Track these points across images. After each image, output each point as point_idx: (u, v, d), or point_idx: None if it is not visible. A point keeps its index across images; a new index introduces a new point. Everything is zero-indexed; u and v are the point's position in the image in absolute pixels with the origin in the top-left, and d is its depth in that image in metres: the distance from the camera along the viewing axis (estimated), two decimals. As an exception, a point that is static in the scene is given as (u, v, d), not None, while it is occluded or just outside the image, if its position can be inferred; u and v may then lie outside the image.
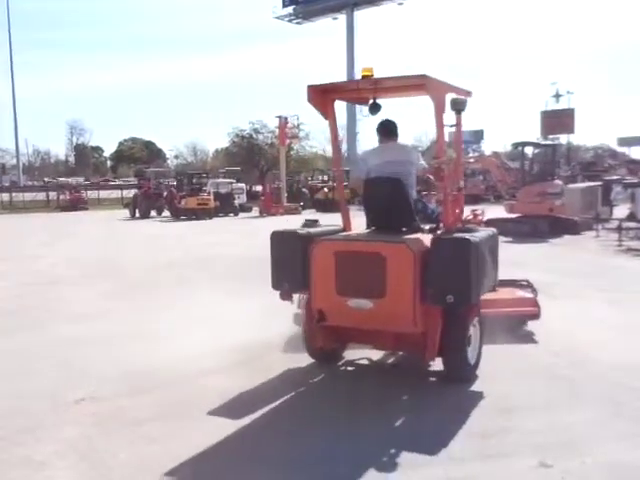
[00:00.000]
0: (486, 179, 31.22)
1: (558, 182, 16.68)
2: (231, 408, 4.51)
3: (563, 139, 49.04)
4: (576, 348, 5.68)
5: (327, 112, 5.45)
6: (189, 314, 7.24)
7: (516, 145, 17.06)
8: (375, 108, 5.30)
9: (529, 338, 6.09)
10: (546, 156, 17.18)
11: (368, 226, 5.41)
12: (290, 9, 57.52)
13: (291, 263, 5.00)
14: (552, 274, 9.49)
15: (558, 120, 50.92)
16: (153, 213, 29.02)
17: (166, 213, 28.78)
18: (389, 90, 5.39)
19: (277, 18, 58.66)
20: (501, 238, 5.55)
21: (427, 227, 5.22)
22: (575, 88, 48.45)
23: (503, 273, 5.52)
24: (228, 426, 4.18)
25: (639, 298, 7.87)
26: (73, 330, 6.81)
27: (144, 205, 28.70)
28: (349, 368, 5.46)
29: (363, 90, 5.22)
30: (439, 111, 4.83)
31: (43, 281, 10.34)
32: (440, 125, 4.90)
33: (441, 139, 5.05)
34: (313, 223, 5.44)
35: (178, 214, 27.08)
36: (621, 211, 18.08)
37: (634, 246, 13.04)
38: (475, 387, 4.78)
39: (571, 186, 18.23)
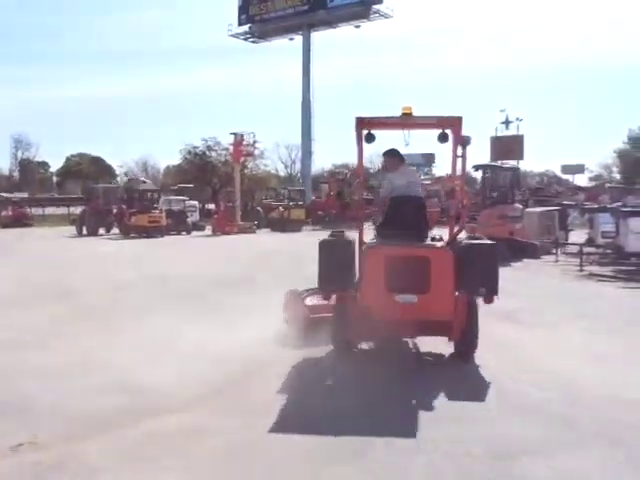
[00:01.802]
0: (441, 201, 31.31)
1: (518, 205, 16.68)
2: (195, 452, 3.95)
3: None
4: (566, 381, 5.32)
5: (361, 140, 6.21)
6: (147, 340, 6.64)
7: (477, 167, 17.00)
8: (370, 138, 6.18)
9: (513, 369, 5.71)
10: (506, 179, 17.19)
11: (379, 237, 6.28)
12: (246, 27, 57.07)
13: (343, 266, 5.71)
14: (523, 300, 9.28)
15: (507, 146, 51.74)
16: (101, 230, 27.96)
17: (115, 230, 27.77)
18: (422, 125, 6.38)
19: (232, 36, 58.04)
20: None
21: (437, 236, 6.42)
22: (524, 115, 49.05)
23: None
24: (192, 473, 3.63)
25: (615, 326, 7.63)
26: (12, 359, 6.06)
27: (92, 222, 27.67)
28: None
29: (405, 124, 6.18)
30: (457, 144, 6.06)
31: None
32: (455, 155, 6.17)
33: (454, 166, 6.31)
34: (340, 234, 6.10)
35: (128, 232, 26.17)
36: (576, 236, 18.26)
37: (595, 271, 13.02)
38: (466, 431, 4.32)
39: (529, 210, 18.27)
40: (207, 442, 4.10)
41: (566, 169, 60.42)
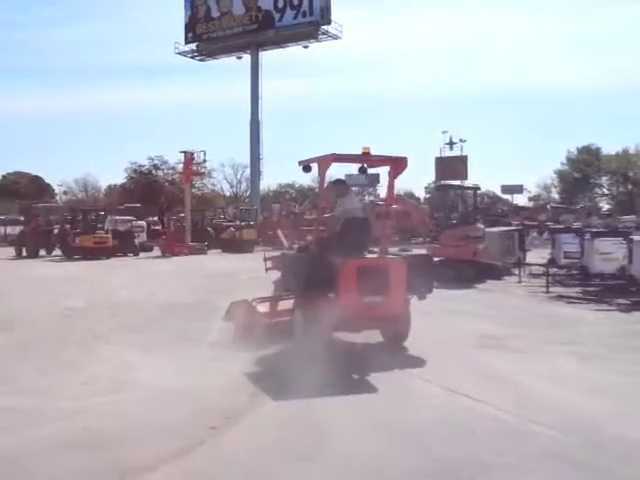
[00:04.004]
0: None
1: (480, 226, 16.46)
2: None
3: (456, 185, 50.29)
4: (578, 419, 4.86)
5: (326, 172, 7.52)
6: (104, 379, 5.91)
7: (438, 187, 16.77)
8: (307, 169, 7.48)
9: (516, 406, 5.23)
10: (468, 199, 16.99)
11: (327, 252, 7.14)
12: (193, 46, 56.26)
13: (325, 274, 6.75)
14: (500, 325, 8.98)
15: (452, 166, 52.39)
16: (42, 252, 26.46)
17: (57, 252, 26.34)
18: (377, 161, 7.86)
19: (179, 54, 56.99)
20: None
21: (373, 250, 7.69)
22: (464, 136, 49.78)
23: (446, 321, 8.29)
24: None
25: (604, 353, 7.26)
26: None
27: (32, 243, 26.14)
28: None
29: (366, 161, 7.63)
30: (396, 177, 7.69)
31: None
32: (392, 184, 7.94)
33: (390, 194, 8.14)
34: (302, 249, 7.55)
35: (71, 253, 24.83)
36: (533, 256, 18.21)
37: (562, 292, 12.82)
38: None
39: (490, 230, 18.10)
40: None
41: (506, 189, 61.51)
